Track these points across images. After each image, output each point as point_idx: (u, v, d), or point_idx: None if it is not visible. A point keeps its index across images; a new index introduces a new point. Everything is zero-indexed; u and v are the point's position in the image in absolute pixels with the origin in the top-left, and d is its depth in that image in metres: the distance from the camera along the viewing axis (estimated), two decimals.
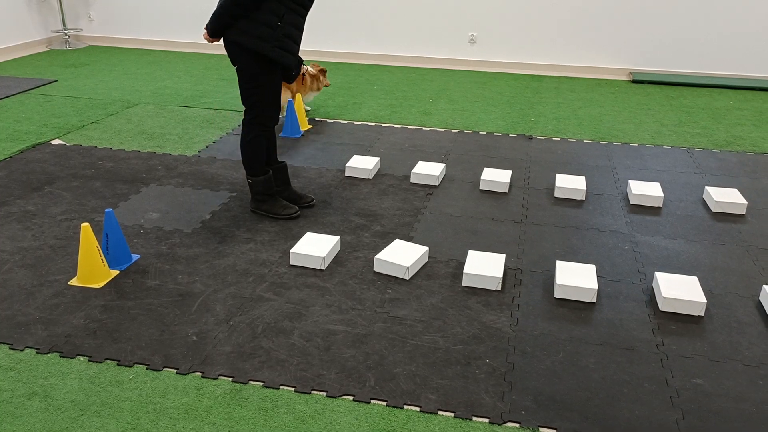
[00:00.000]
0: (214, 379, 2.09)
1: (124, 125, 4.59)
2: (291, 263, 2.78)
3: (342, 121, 4.81)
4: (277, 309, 2.46)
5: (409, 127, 4.72)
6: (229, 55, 2.92)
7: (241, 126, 3.08)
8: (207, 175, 3.71)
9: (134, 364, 2.16)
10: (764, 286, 2.56)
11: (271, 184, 3.17)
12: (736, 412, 1.98)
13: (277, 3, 2.78)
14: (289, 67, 2.92)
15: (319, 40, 6.92)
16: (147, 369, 2.14)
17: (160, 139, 4.32)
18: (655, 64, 6.38)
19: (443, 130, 4.67)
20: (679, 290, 2.52)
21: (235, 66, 2.93)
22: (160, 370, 2.13)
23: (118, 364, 2.15)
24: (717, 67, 6.26)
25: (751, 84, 5.97)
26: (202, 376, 2.10)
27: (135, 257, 2.79)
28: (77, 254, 2.79)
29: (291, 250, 2.78)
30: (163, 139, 4.31)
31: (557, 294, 2.58)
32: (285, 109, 4.51)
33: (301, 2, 2.85)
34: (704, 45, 6.21)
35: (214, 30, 2.87)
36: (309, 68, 4.82)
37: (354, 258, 2.85)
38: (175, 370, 2.13)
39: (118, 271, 2.68)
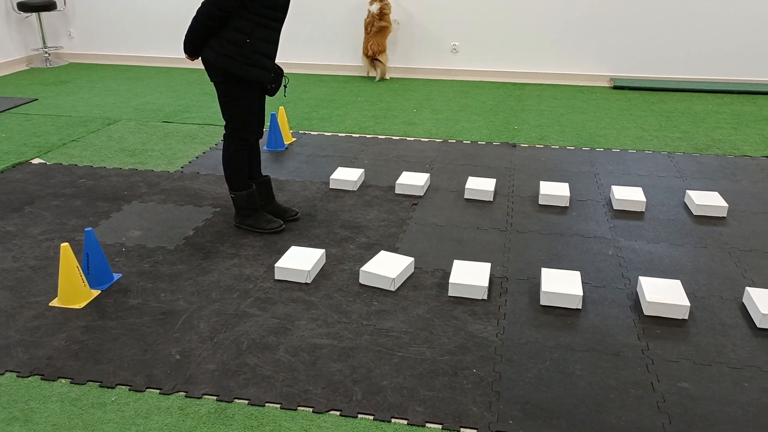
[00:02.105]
0: (198, 398, 2.06)
1: (105, 142, 4.56)
2: (276, 278, 2.76)
3: (326, 133, 4.80)
4: (263, 324, 2.44)
5: (393, 137, 4.73)
6: (206, 71, 2.93)
7: (222, 140, 3.07)
8: (190, 191, 3.68)
9: (117, 385, 2.13)
10: (747, 288, 2.58)
11: (254, 199, 3.15)
12: (722, 415, 1.99)
13: (243, 20, 2.77)
14: (262, 83, 2.91)
15: (302, 52, 6.93)
16: (129, 390, 2.11)
17: (141, 155, 4.29)
18: (636, 70, 6.44)
19: (427, 139, 4.68)
20: (663, 294, 2.53)
21: (212, 82, 2.94)
22: (142, 391, 2.10)
23: (100, 386, 2.12)
24: (696, 72, 6.33)
25: (730, 87, 6.05)
26: (185, 396, 2.07)
27: (117, 276, 2.76)
28: (58, 275, 2.75)
29: (276, 265, 2.76)
30: (145, 156, 4.28)
31: (543, 301, 2.58)
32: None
33: (271, 16, 2.83)
34: (683, 50, 6.29)
35: (186, 49, 2.90)
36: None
37: (339, 271, 2.84)
38: (158, 391, 2.10)
39: (99, 291, 2.65)
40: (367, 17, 6.30)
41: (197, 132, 4.81)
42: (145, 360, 2.24)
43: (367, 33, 6.33)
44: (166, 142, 4.59)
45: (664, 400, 2.05)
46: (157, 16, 7.05)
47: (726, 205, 3.40)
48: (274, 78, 2.99)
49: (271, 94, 3.05)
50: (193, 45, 2.86)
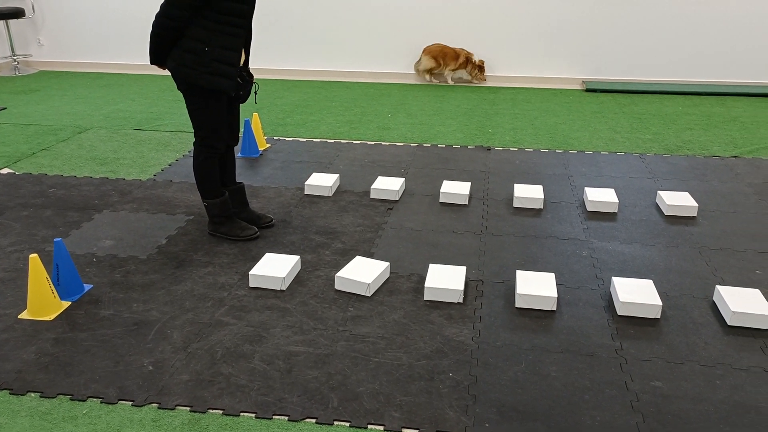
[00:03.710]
0: (171, 409, 2.03)
1: (76, 151, 4.49)
2: (251, 285, 2.73)
3: (300, 139, 4.79)
4: (237, 333, 2.41)
5: (369, 142, 4.73)
6: (173, 79, 2.91)
7: (193, 149, 3.04)
8: (163, 199, 3.64)
9: (88, 398, 2.09)
10: (717, 286, 2.62)
11: (227, 206, 3.12)
12: (694, 413, 2.01)
13: (201, 29, 2.75)
14: (225, 92, 2.89)
15: (275, 58, 6.91)
16: (101, 402, 2.07)
17: (113, 164, 4.24)
18: (607, 73, 6.53)
19: (402, 144, 4.69)
20: (636, 294, 2.56)
21: (179, 90, 2.92)
22: (114, 403, 2.06)
23: (71, 399, 2.08)
24: (666, 74, 6.43)
25: (699, 89, 6.16)
26: (158, 407, 2.04)
27: (87, 287, 2.71)
28: (27, 287, 2.69)
29: (250, 272, 2.74)
30: (117, 164, 4.22)
31: (518, 304, 2.60)
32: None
33: (231, 23, 2.79)
34: (654, 53, 6.39)
35: (151, 59, 2.89)
36: (475, 57, 6.42)
37: (315, 277, 2.83)
38: (130, 403, 2.06)
39: (69, 302, 2.60)
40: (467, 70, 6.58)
41: (170, 139, 4.76)
42: (117, 372, 2.20)
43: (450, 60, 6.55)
44: (138, 150, 4.53)
45: (638, 399, 2.07)
46: (129, 22, 6.97)
47: (696, 205, 3.45)
48: (243, 85, 2.97)
49: (242, 101, 3.03)
50: (155, 56, 2.86)
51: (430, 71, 6.58)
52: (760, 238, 3.19)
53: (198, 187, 3.09)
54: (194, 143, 3.01)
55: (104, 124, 5.14)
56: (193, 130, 3.00)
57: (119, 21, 7.03)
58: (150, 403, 2.06)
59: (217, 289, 2.72)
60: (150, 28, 2.81)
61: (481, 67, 6.53)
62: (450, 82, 6.60)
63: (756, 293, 2.56)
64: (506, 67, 6.63)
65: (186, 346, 2.34)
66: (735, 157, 4.39)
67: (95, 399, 2.08)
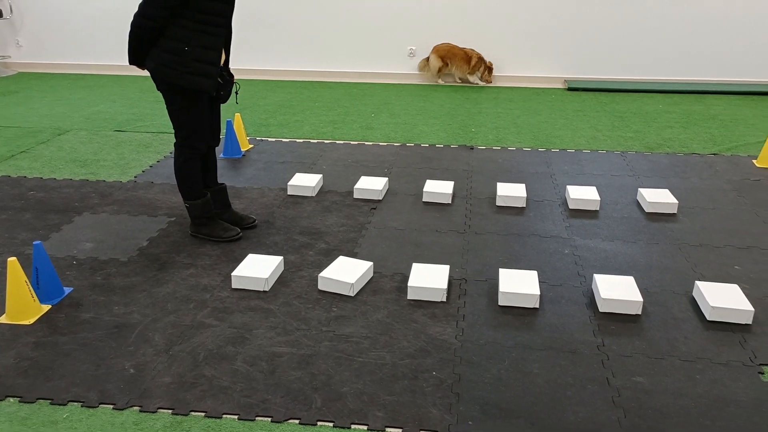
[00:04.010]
0: (153, 412, 2.02)
1: (56, 153, 4.44)
2: (233, 286, 2.72)
3: (284, 140, 4.77)
4: (220, 335, 2.40)
5: (352, 142, 4.72)
6: (153, 80, 2.88)
7: (173, 149, 3.02)
8: (144, 201, 3.61)
9: (68, 402, 2.06)
10: (696, 282, 2.65)
11: (209, 207, 3.11)
12: (675, 408, 2.03)
13: (180, 28, 2.73)
14: (206, 92, 2.87)
15: (258, 58, 6.88)
16: (82, 406, 2.05)
17: (93, 165, 4.19)
18: (589, 72, 6.57)
19: (385, 144, 4.69)
20: (617, 291, 2.58)
21: (158, 91, 2.90)
22: (95, 407, 2.04)
23: (51, 403, 2.06)
24: (647, 73, 6.49)
25: (680, 88, 6.22)
26: (140, 411, 2.02)
27: (68, 290, 2.69)
28: (5, 290, 2.66)
29: (233, 274, 2.73)
30: (97, 166, 4.18)
31: (501, 302, 2.61)
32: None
33: (211, 22, 2.78)
34: (634, 52, 6.44)
35: (130, 60, 2.86)
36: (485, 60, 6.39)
37: (298, 277, 2.82)
38: (111, 406, 2.05)
39: (49, 306, 2.58)
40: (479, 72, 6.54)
41: (151, 140, 4.72)
42: (98, 375, 2.18)
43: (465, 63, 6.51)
44: (118, 151, 4.49)
45: (620, 394, 2.09)
46: (109, 22, 6.91)
47: (676, 202, 3.49)
48: (224, 85, 2.95)
49: (222, 101, 3.02)
50: (134, 56, 2.84)
51: (438, 71, 6.51)
52: (738, 234, 3.23)
53: (179, 189, 3.07)
54: (175, 144, 2.99)
55: (84, 126, 5.09)
56: (173, 131, 2.98)
57: (99, 21, 6.96)
58: (131, 407, 2.04)
59: (200, 290, 2.70)
60: (129, 28, 2.79)
61: (490, 69, 6.49)
62: (458, 81, 6.55)
63: (734, 288, 2.59)
64: None
65: (168, 348, 2.32)
66: (714, 154, 4.44)
67: (76, 403, 2.06)
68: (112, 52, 6.98)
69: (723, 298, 2.51)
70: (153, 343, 2.36)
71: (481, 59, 6.44)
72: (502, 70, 6.65)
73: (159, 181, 3.90)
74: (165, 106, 2.94)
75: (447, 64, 6.45)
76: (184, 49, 2.74)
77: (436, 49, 6.49)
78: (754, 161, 4.26)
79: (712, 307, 2.47)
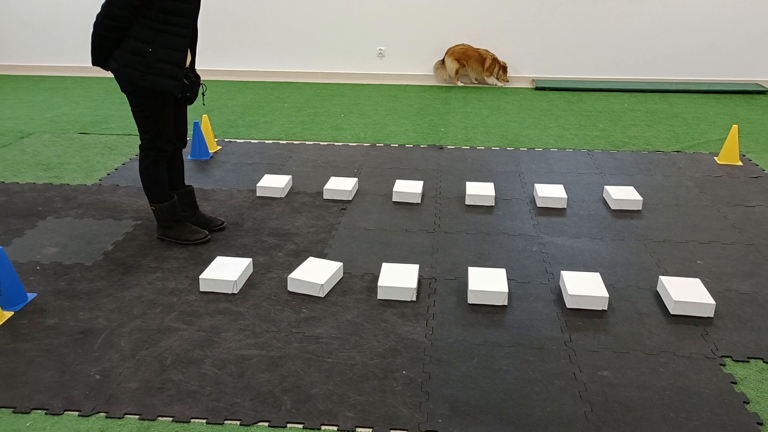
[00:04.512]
0: (120, 418, 1.99)
1: (18, 157, 4.35)
2: (201, 290, 2.69)
3: (252, 141, 4.74)
4: (187, 338, 2.37)
5: (321, 143, 4.71)
6: (117, 81, 2.84)
7: (138, 152, 2.98)
8: (109, 204, 3.55)
9: (32, 410, 2.02)
10: (660, 277, 2.70)
11: (176, 210, 3.07)
12: (639, 401, 2.07)
13: (144, 29, 2.70)
14: (171, 93, 2.83)
15: (226, 59, 6.82)
16: (46, 414, 2.01)
17: (57, 169, 4.11)
18: (556, 71, 6.66)
19: (355, 144, 4.69)
20: (584, 287, 2.62)
21: (123, 92, 2.86)
22: (60, 414, 2.00)
23: (13, 412, 2.01)
24: (613, 73, 6.60)
25: (644, 87, 6.34)
26: (106, 417, 1.99)
27: (31, 296, 2.63)
28: None
29: (200, 276, 2.70)
30: (61, 169, 4.10)
31: (470, 300, 2.63)
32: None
33: (176, 22, 2.75)
34: (600, 52, 6.55)
35: (92, 60, 2.82)
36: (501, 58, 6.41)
37: (267, 279, 2.80)
38: (77, 413, 2.01)
39: (12, 312, 2.52)
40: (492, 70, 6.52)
41: (116, 143, 4.65)
42: (62, 382, 2.14)
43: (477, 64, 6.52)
44: (83, 154, 4.41)
45: (586, 389, 2.12)
46: (72, 22, 6.78)
47: (641, 198, 3.56)
48: (190, 86, 2.92)
49: (189, 103, 2.99)
50: (97, 57, 2.80)
51: (456, 74, 6.48)
52: (700, 229, 3.30)
53: (145, 191, 3.03)
54: (140, 146, 2.95)
55: (48, 129, 4.99)
56: (138, 133, 2.94)
57: (62, 21, 6.83)
58: (97, 413, 2.01)
59: (167, 294, 2.67)
60: (92, 29, 2.75)
61: (504, 68, 6.50)
62: (474, 82, 6.56)
63: (697, 282, 2.65)
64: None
65: (134, 353, 2.29)
66: (677, 151, 4.53)
67: (40, 411, 2.02)
68: (75, 53, 6.85)
69: (685, 293, 2.56)
70: (119, 348, 2.32)
71: (495, 60, 6.44)
72: None
73: (124, 184, 3.84)
74: (130, 107, 2.90)
75: (464, 65, 6.45)
76: (147, 50, 2.70)
77: (451, 52, 6.47)
78: (716, 158, 4.36)
79: (675, 301, 2.52)
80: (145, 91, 2.79)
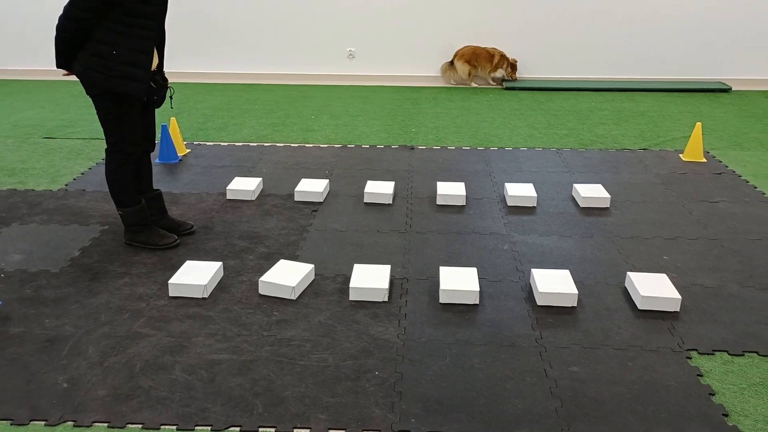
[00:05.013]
0: (88, 426, 1.95)
1: None
2: (170, 294, 2.66)
3: (222, 143, 4.70)
4: (157, 344, 2.34)
5: (292, 145, 4.69)
6: (81, 84, 2.80)
7: (105, 156, 2.94)
8: (75, 210, 3.49)
9: None
10: (628, 273, 2.74)
11: (144, 214, 3.03)
12: (609, 395, 2.10)
13: (108, 31, 2.66)
14: (136, 96, 2.80)
15: (195, 61, 6.75)
16: (11, 424, 1.96)
17: (21, 174, 4.03)
18: (525, 71, 6.72)
19: (326, 145, 4.68)
20: (554, 284, 2.65)
21: (87, 95, 2.82)
22: (26, 424, 1.96)
23: None
24: (580, 72, 6.69)
25: (611, 86, 6.43)
26: (74, 425, 1.96)
27: None
28: None
29: (169, 281, 2.67)
30: (25, 175, 4.02)
31: (442, 299, 2.64)
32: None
33: (140, 24, 2.71)
34: (568, 52, 6.63)
35: (56, 62, 2.77)
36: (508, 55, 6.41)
37: (238, 282, 2.78)
38: (43, 422, 1.97)
39: None
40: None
41: (82, 147, 4.57)
42: (28, 391, 2.10)
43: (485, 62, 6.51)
44: (48, 159, 4.33)
45: (557, 385, 2.15)
46: (35, 24, 6.64)
47: (609, 196, 3.61)
48: (157, 89, 2.89)
49: (156, 106, 2.95)
50: (59, 59, 2.75)
51: (469, 75, 6.49)
52: (666, 225, 3.36)
53: (112, 196, 2.98)
54: (106, 150, 2.91)
55: (11, 133, 4.88)
56: (104, 137, 2.89)
57: (25, 23, 6.68)
58: (65, 422, 1.97)
59: (135, 300, 2.63)
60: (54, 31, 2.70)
61: (513, 66, 6.51)
62: (492, 83, 6.56)
63: (663, 278, 2.70)
64: (428, 66, 6.72)
65: (102, 360, 2.25)
66: (644, 149, 4.61)
67: (5, 421, 1.98)
68: (39, 56, 6.71)
69: (652, 288, 2.61)
70: (87, 355, 2.28)
71: (503, 56, 6.46)
72: (440, 71, 6.72)
73: (91, 189, 3.78)
74: (95, 111, 2.85)
75: (475, 66, 6.46)
76: (111, 53, 2.66)
77: (461, 54, 6.46)
78: (681, 155, 4.44)
79: (642, 296, 2.57)
80: (110, 94, 2.75)
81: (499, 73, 6.49)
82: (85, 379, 2.16)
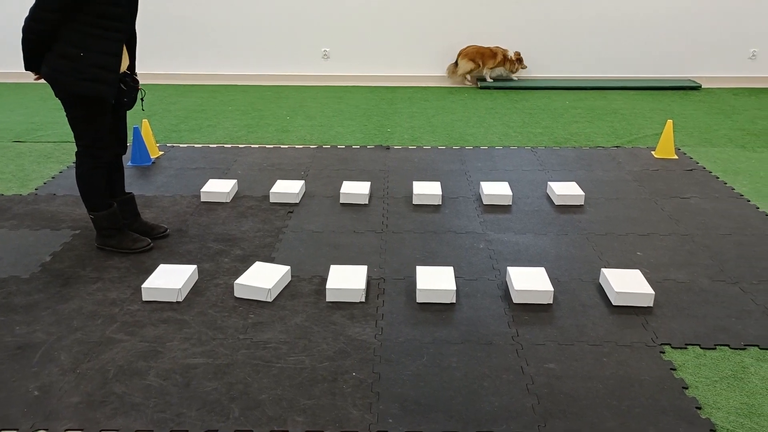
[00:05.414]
0: None
1: None
2: (144, 299, 2.62)
3: (196, 145, 4.65)
4: (130, 350, 2.31)
5: (267, 146, 4.66)
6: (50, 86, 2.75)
7: (75, 159, 2.89)
8: (46, 214, 3.43)
9: None
10: (602, 269, 2.77)
11: (116, 218, 2.98)
12: (584, 391, 2.12)
13: (75, 33, 2.62)
14: (105, 99, 2.75)
15: (168, 62, 6.67)
16: None
17: None
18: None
19: (302, 146, 4.66)
20: (529, 282, 2.66)
21: (57, 98, 2.77)
22: None
23: None
24: (553, 71, 6.74)
25: (584, 84, 6.50)
26: None
27: None
28: None
29: (143, 286, 2.63)
30: None
31: (419, 299, 2.64)
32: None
33: (108, 26, 2.67)
34: (542, 52, 6.68)
35: (24, 65, 2.72)
36: (510, 53, 6.48)
37: (213, 286, 2.75)
38: (14, 431, 1.93)
39: None
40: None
41: (53, 150, 4.49)
42: None
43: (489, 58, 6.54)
44: (17, 163, 4.25)
45: (533, 382, 2.16)
46: (2, 25, 6.51)
47: (583, 193, 3.65)
48: (128, 91, 2.85)
49: (128, 108, 2.91)
50: (27, 61, 2.70)
51: (469, 73, 6.53)
52: (639, 222, 3.41)
53: (83, 200, 2.94)
54: (76, 153, 2.86)
55: None
56: (74, 140, 2.84)
57: None
58: (37, 430, 1.94)
59: (108, 305, 2.59)
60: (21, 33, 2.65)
61: (519, 59, 6.54)
62: (489, 80, 6.59)
63: (637, 273, 2.74)
64: (403, 66, 6.73)
65: (75, 367, 2.21)
66: (617, 147, 4.67)
67: None
68: (7, 59, 6.57)
69: (626, 284, 2.64)
70: (59, 362, 2.24)
71: (505, 56, 6.52)
72: (416, 70, 6.73)
73: (62, 193, 3.72)
74: (65, 113, 2.81)
75: (478, 65, 6.50)
76: (79, 55, 2.62)
77: (465, 53, 6.50)
78: (653, 152, 4.51)
79: (616, 292, 2.60)
80: (79, 97, 2.71)
81: (496, 71, 6.57)
82: (57, 386, 2.12)
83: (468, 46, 6.55)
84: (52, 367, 2.22)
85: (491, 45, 6.55)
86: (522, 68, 6.62)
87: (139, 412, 2.01)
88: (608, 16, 6.55)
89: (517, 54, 6.56)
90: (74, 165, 2.93)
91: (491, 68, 6.55)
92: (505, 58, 6.54)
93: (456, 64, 6.59)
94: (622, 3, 6.51)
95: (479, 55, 6.51)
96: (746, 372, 2.22)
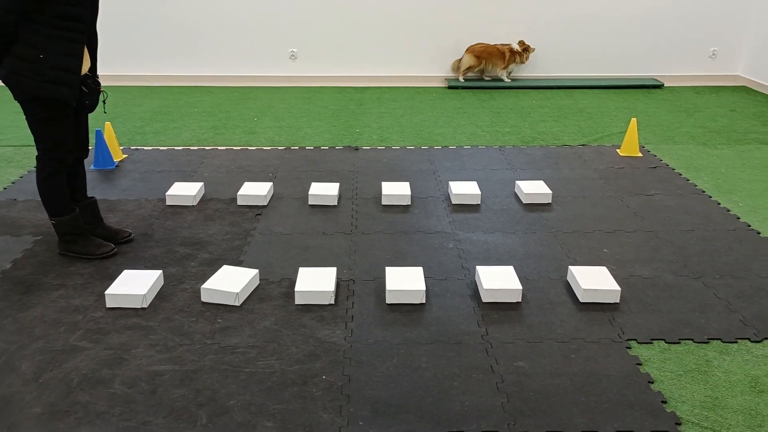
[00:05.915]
0: None
1: None
2: (108, 305, 2.57)
3: (161, 148, 4.58)
4: (94, 358, 2.26)
5: (235, 147, 4.61)
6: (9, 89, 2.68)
7: (36, 163, 2.81)
8: (6, 220, 3.34)
9: None
10: (570, 267, 2.80)
11: (79, 223, 2.92)
12: (553, 388, 2.14)
13: (35, 34, 2.55)
14: (65, 101, 2.69)
15: (130, 63, 6.56)
16: None
17: None
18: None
19: (270, 148, 4.62)
20: (498, 281, 2.68)
21: (16, 101, 2.70)
22: None
23: None
24: (521, 70, 6.81)
25: (551, 84, 6.58)
26: None
27: None
28: None
29: (106, 292, 2.57)
30: None
31: (389, 300, 2.63)
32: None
33: (69, 27, 2.61)
34: None
35: None
36: (514, 45, 6.47)
37: (180, 291, 2.71)
38: None
39: None
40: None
41: (13, 155, 4.37)
42: None
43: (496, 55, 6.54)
44: None
45: (503, 380, 2.17)
46: None
47: (550, 192, 3.68)
48: (89, 93, 2.79)
49: (89, 111, 2.85)
50: None
51: (468, 69, 6.53)
52: (605, 219, 3.45)
53: (44, 205, 2.86)
54: (37, 157, 2.79)
55: None
56: (35, 144, 2.77)
57: None
58: None
59: (71, 312, 2.53)
60: None
61: (525, 48, 6.53)
62: (507, 80, 6.61)
63: (603, 270, 2.77)
64: (372, 66, 6.72)
65: (37, 376, 2.16)
66: (583, 145, 4.73)
67: None
68: None
69: (593, 281, 2.67)
70: (20, 372, 2.18)
71: (512, 52, 6.52)
72: (384, 70, 6.73)
73: (22, 198, 3.62)
74: (24, 117, 2.73)
75: (482, 63, 6.51)
76: (39, 57, 2.56)
77: (471, 49, 6.51)
78: (618, 150, 4.58)
79: (583, 289, 2.63)
80: (39, 99, 2.64)
81: (512, 67, 6.62)
82: (18, 396, 2.06)
83: (476, 44, 6.59)
84: (13, 377, 2.16)
85: (490, 44, 6.57)
86: (531, 51, 6.61)
87: (105, 421, 1.96)
88: (573, 17, 6.64)
89: (522, 43, 6.57)
90: (35, 170, 2.86)
91: (504, 68, 6.57)
92: (513, 53, 6.57)
93: (461, 60, 6.65)
94: (586, 4, 6.60)
95: (485, 53, 6.54)
96: (710, 365, 2.27)
